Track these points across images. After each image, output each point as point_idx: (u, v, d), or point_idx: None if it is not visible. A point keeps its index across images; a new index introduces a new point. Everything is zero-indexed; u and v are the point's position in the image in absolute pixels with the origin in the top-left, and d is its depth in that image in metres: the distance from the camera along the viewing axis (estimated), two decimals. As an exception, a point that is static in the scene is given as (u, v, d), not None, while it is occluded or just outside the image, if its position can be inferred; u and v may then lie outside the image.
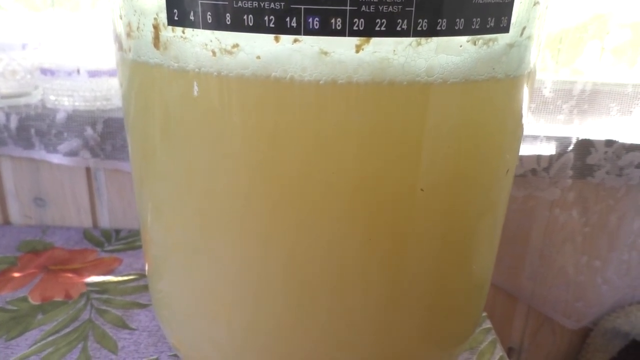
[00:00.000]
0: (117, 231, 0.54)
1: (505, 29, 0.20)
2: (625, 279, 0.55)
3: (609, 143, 0.48)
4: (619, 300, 0.56)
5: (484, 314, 0.41)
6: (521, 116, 0.25)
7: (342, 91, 0.19)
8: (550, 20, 0.46)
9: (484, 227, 0.26)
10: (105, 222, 0.55)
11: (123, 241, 0.52)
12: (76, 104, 0.49)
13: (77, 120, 0.49)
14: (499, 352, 0.37)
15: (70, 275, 0.45)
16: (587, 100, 0.48)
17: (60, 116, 0.49)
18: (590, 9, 0.46)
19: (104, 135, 0.49)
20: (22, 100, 0.50)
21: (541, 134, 0.49)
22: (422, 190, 0.22)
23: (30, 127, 0.49)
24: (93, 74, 0.48)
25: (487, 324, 0.40)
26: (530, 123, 0.50)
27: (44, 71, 0.48)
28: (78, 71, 0.48)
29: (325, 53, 0.19)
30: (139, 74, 0.23)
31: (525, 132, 0.48)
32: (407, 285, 0.25)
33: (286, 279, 0.24)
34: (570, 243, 0.54)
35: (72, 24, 0.47)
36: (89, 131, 0.49)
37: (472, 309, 0.30)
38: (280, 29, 0.18)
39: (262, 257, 0.23)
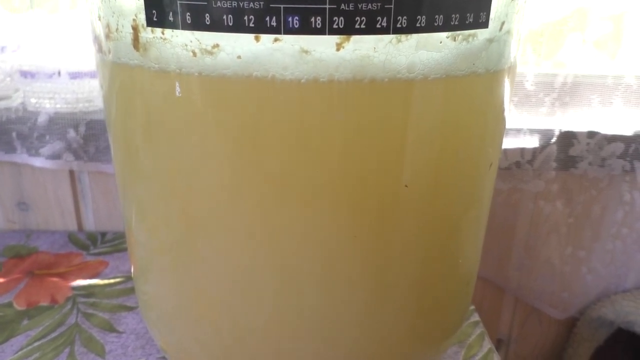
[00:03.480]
0: (103, 234, 0.53)
1: (484, 25, 0.20)
2: (610, 268, 0.56)
3: (591, 134, 0.49)
4: (604, 289, 0.57)
5: (472, 307, 0.41)
6: (503, 110, 0.25)
7: (323, 89, 0.19)
8: (531, 15, 0.47)
9: (469, 221, 0.26)
10: (90, 225, 0.55)
11: (109, 244, 0.51)
12: (58, 106, 0.48)
13: (59, 123, 0.48)
14: (487, 344, 0.37)
15: (55, 279, 0.44)
16: (569, 92, 0.49)
17: (42, 119, 0.48)
18: (571, 2, 0.47)
19: (87, 138, 0.49)
20: (2, 104, 0.49)
21: (524, 126, 0.49)
22: (406, 186, 0.22)
23: (12, 131, 0.49)
24: (74, 75, 0.47)
25: (475, 317, 0.40)
26: (514, 116, 0.50)
27: (24, 74, 0.47)
28: (59, 73, 0.47)
29: (306, 52, 0.19)
30: (119, 75, 0.23)
31: (508, 126, 0.48)
32: (394, 281, 0.25)
33: (272, 277, 0.24)
34: (555, 234, 0.54)
35: (51, 26, 0.47)
36: (71, 133, 0.48)
37: (460, 302, 0.30)
38: (260, 28, 0.18)
39: (248, 257, 0.23)
